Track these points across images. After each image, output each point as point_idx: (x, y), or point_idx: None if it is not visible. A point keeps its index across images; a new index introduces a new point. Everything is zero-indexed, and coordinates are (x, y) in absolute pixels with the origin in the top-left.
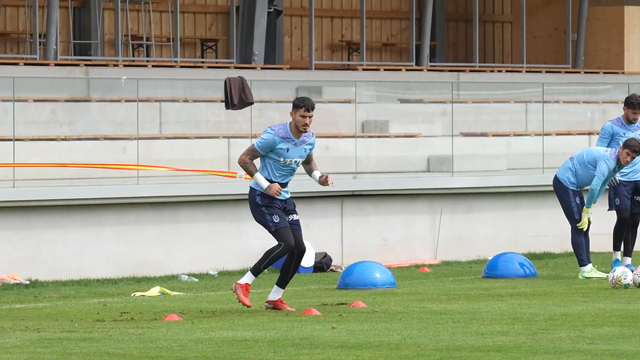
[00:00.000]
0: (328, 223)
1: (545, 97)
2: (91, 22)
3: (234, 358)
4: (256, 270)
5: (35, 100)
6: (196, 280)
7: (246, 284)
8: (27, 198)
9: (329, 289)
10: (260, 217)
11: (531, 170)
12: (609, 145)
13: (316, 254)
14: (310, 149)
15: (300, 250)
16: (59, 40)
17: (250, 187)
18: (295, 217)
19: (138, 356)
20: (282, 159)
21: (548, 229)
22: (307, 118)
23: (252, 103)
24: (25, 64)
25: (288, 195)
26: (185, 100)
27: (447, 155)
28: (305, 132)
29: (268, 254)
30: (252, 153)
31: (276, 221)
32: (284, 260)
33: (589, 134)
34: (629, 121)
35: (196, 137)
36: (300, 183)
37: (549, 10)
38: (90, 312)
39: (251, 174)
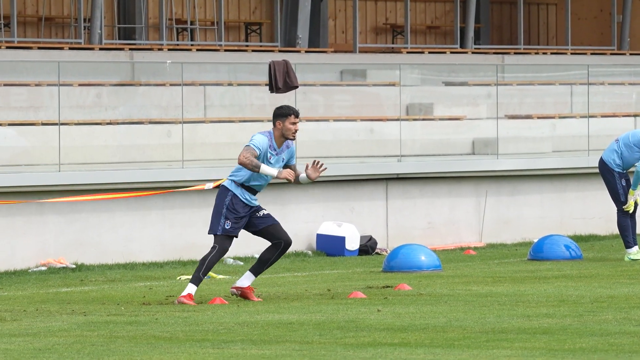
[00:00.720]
0: (373, 206)
1: (590, 79)
2: (135, 6)
3: (279, 341)
4: (196, 279)
5: (80, 85)
6: (242, 263)
7: (189, 294)
8: (73, 182)
9: (375, 272)
10: (215, 215)
11: (576, 152)
12: None
13: (361, 237)
14: (288, 158)
15: (287, 242)
16: (104, 24)
17: (223, 185)
18: (264, 212)
19: (184, 339)
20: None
21: (594, 211)
22: (296, 125)
23: (296, 86)
24: (70, 49)
25: (257, 203)
26: (230, 84)
27: (492, 137)
28: (293, 139)
29: (204, 260)
30: (252, 151)
31: (227, 227)
32: (266, 248)
33: (635, 115)
34: None
35: (240, 121)
36: (344, 166)
37: None
38: (137, 295)
39: (258, 167)
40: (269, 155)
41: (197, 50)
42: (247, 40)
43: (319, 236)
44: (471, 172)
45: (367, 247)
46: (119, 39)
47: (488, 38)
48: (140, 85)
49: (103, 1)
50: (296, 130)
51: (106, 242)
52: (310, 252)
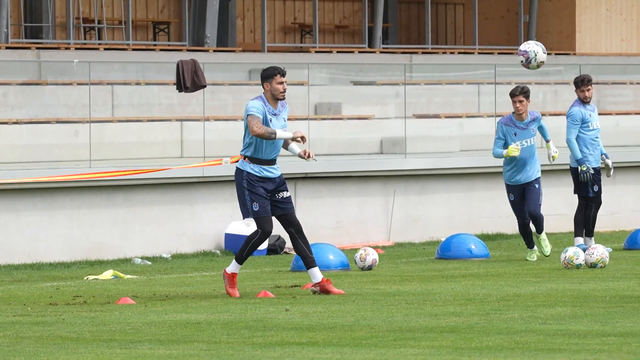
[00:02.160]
0: None
1: (497, 79)
2: (42, 4)
3: (187, 341)
4: (240, 258)
5: None
6: (149, 263)
7: (232, 273)
8: None
9: (283, 271)
10: (241, 201)
11: (484, 151)
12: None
13: (269, 237)
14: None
15: (297, 229)
16: (10, 23)
17: (237, 167)
18: (285, 194)
19: (91, 339)
20: None
21: (501, 210)
22: (284, 84)
23: (204, 86)
24: None
25: (278, 173)
26: (138, 83)
27: (400, 137)
28: (283, 99)
29: (248, 241)
30: (257, 119)
31: (255, 209)
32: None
33: (541, 115)
34: (584, 101)
35: (149, 120)
36: None
37: None
38: (43, 295)
39: (273, 133)
40: (269, 118)
41: (105, 49)
42: (155, 40)
43: (228, 235)
44: (379, 172)
45: (276, 246)
46: (26, 37)
47: (396, 38)
48: (48, 84)
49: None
50: (284, 90)
51: (12, 242)
52: (218, 252)
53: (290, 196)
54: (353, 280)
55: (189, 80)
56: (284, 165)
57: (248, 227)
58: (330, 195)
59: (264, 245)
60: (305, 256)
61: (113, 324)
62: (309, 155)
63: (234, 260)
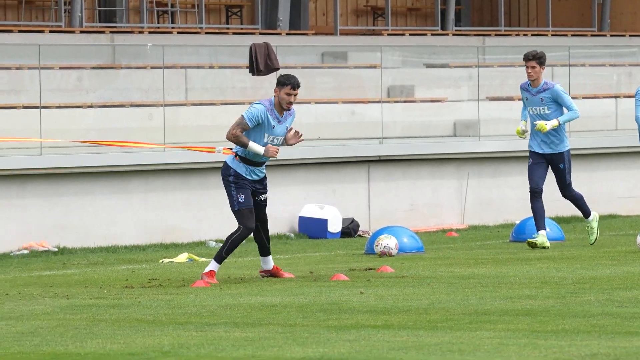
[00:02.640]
0: (355, 188)
1: (571, 61)
2: None
3: (262, 323)
4: (219, 257)
5: (61, 68)
6: None
7: (211, 270)
8: (55, 165)
9: (357, 254)
10: (227, 191)
11: None
12: None
13: (343, 220)
14: (290, 126)
15: (262, 220)
16: (84, 7)
17: (225, 162)
18: (264, 197)
19: (167, 322)
20: (266, 136)
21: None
22: (292, 96)
23: (277, 69)
24: (51, 32)
25: (263, 174)
26: (211, 67)
27: (474, 119)
28: (289, 110)
29: (229, 238)
30: (242, 126)
31: (241, 200)
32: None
33: (616, 97)
34: None
35: (222, 104)
36: (326, 149)
37: None
38: (119, 278)
39: (245, 145)
40: (272, 124)
41: (178, 33)
42: (227, 23)
43: (301, 219)
44: (453, 154)
45: (350, 229)
46: (100, 22)
47: (469, 20)
48: (122, 68)
49: None
50: (290, 102)
51: (88, 225)
52: (292, 235)
53: (267, 199)
54: (427, 263)
55: (262, 63)
56: (358, 149)
57: (322, 210)
58: (404, 178)
59: (337, 228)
60: (263, 246)
61: (189, 306)
62: (296, 133)
63: (212, 260)
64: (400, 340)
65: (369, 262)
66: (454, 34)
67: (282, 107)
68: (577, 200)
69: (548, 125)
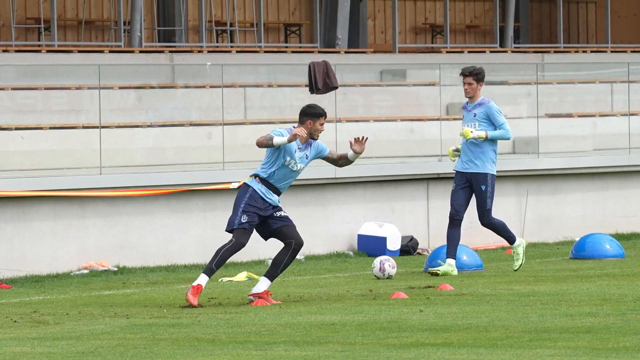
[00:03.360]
0: (414, 206)
1: (630, 77)
2: (175, 8)
3: (322, 342)
4: (209, 270)
5: (120, 87)
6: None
7: (198, 285)
8: (115, 185)
9: (416, 272)
10: (234, 209)
11: (617, 150)
12: None
13: (402, 237)
14: (314, 155)
15: (297, 243)
16: (144, 27)
17: (244, 183)
18: (282, 213)
19: (227, 341)
20: (287, 159)
21: (636, 209)
22: (324, 126)
23: (336, 87)
24: (110, 52)
25: (277, 202)
26: (270, 86)
27: (533, 136)
28: (316, 139)
29: (219, 250)
30: (269, 135)
31: (243, 221)
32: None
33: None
34: None
35: (281, 122)
36: (384, 167)
37: None
38: (179, 297)
39: (271, 140)
40: (294, 148)
41: (237, 52)
42: (286, 42)
43: (360, 237)
44: (512, 171)
45: (409, 247)
46: (159, 41)
47: (527, 37)
48: (181, 87)
49: (143, 4)
50: (321, 132)
51: (147, 244)
52: (351, 253)
53: (287, 215)
54: (487, 280)
55: (320, 81)
56: (417, 166)
57: (380, 227)
58: None
59: (396, 246)
60: (277, 267)
61: (248, 325)
62: (359, 138)
63: (202, 273)
64: (460, 358)
65: (428, 280)
66: (512, 51)
67: (308, 137)
68: (498, 229)
69: (474, 133)
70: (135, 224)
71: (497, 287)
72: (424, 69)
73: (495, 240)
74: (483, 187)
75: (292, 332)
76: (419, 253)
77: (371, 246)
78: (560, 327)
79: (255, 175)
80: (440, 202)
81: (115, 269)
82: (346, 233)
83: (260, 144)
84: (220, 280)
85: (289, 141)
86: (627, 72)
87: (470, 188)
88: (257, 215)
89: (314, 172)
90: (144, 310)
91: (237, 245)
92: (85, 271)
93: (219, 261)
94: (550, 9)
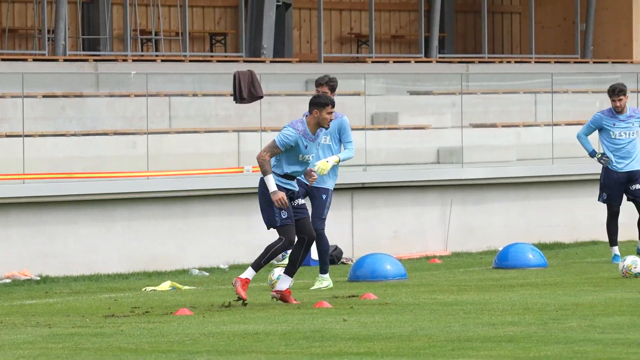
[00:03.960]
0: (338, 215)
1: (554, 88)
2: (100, 17)
3: (245, 351)
4: (257, 265)
5: (44, 96)
6: (207, 274)
7: (246, 278)
8: (38, 194)
9: (340, 281)
10: (268, 208)
11: (541, 160)
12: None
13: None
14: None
15: (310, 237)
16: (68, 35)
17: (261, 178)
18: (301, 201)
19: (150, 350)
20: (300, 156)
21: (558, 219)
22: (332, 114)
23: (261, 97)
24: (34, 60)
25: (297, 188)
26: (195, 95)
27: (457, 146)
28: (327, 128)
29: (269, 248)
30: (273, 150)
31: (284, 217)
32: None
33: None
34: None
35: (206, 132)
36: None
37: (557, 1)
38: (102, 307)
39: (265, 173)
40: (305, 144)
41: (162, 60)
42: (211, 51)
43: None
44: (436, 181)
45: (333, 256)
46: (83, 49)
47: (452, 47)
48: (105, 96)
49: (67, 12)
50: (332, 120)
51: (71, 254)
52: (275, 262)
53: (305, 204)
54: (411, 290)
55: (245, 91)
56: (342, 176)
57: None
58: (387, 205)
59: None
60: (294, 264)
61: (171, 335)
62: (312, 175)
63: (250, 267)
64: None
65: (352, 289)
66: (437, 61)
67: (317, 126)
68: (321, 246)
69: (330, 161)
70: (59, 233)
71: (420, 297)
72: (349, 78)
73: (419, 250)
74: (324, 197)
75: (216, 342)
76: (343, 262)
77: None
78: (483, 336)
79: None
80: (365, 212)
81: (38, 278)
82: (270, 243)
83: (258, 163)
84: (143, 289)
85: (270, 194)
86: (550, 82)
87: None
88: (289, 206)
89: (238, 182)
90: (67, 320)
91: (287, 243)
92: (8, 280)
93: (268, 258)
94: (475, 19)
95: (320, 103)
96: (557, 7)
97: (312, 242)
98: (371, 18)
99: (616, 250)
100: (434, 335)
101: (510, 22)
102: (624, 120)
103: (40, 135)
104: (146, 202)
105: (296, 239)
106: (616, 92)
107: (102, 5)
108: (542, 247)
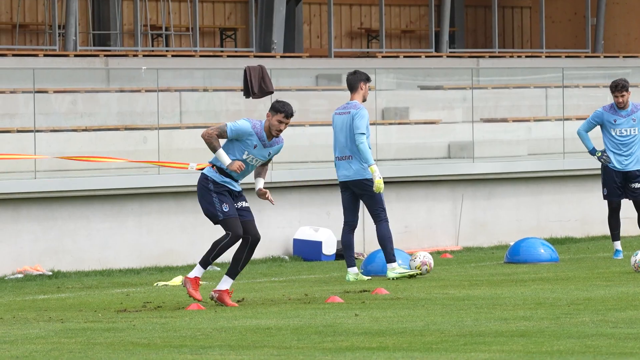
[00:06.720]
0: None
1: (565, 82)
2: (110, 12)
3: (257, 346)
4: (205, 262)
5: (55, 92)
6: (218, 269)
7: (195, 277)
8: (49, 189)
9: None
10: (209, 205)
11: (552, 155)
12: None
13: (338, 242)
14: (274, 154)
15: (255, 238)
16: (78, 31)
17: (202, 173)
18: (245, 204)
19: (162, 345)
20: (245, 153)
21: (569, 214)
22: (283, 124)
23: (272, 92)
24: (45, 55)
25: (239, 189)
26: (205, 90)
27: (468, 141)
28: (276, 137)
29: (216, 244)
30: (221, 131)
31: (225, 210)
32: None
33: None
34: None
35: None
36: (320, 171)
37: None
38: (114, 302)
39: (214, 149)
40: (254, 144)
41: (172, 56)
42: (222, 46)
43: (296, 241)
44: (447, 176)
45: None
46: (94, 45)
47: (463, 42)
48: (116, 91)
49: (77, 8)
50: (280, 130)
51: (83, 249)
52: (287, 257)
53: (249, 207)
54: (422, 284)
55: (256, 86)
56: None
57: (316, 232)
58: (398, 200)
59: (332, 250)
60: (237, 264)
61: (183, 329)
62: (265, 194)
63: (197, 265)
64: None
65: (363, 284)
66: (448, 56)
67: (270, 133)
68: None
69: (378, 175)
70: (70, 228)
71: (432, 291)
72: None
73: (430, 245)
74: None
75: (228, 337)
76: (355, 257)
77: (307, 250)
78: (495, 331)
79: (212, 165)
80: None
81: (50, 273)
82: (282, 237)
83: (203, 139)
84: (155, 284)
85: (227, 167)
86: (561, 77)
87: (355, 193)
88: (230, 199)
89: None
90: (79, 315)
91: (234, 237)
92: (20, 275)
93: (216, 255)
94: (485, 14)
95: (275, 108)
96: (567, 2)
97: (257, 242)
98: (381, 13)
99: (618, 245)
100: (446, 330)
101: (520, 17)
102: (625, 117)
103: (51, 131)
104: (157, 197)
105: (242, 233)
106: (619, 87)
107: (112, 0)
108: (553, 241)
